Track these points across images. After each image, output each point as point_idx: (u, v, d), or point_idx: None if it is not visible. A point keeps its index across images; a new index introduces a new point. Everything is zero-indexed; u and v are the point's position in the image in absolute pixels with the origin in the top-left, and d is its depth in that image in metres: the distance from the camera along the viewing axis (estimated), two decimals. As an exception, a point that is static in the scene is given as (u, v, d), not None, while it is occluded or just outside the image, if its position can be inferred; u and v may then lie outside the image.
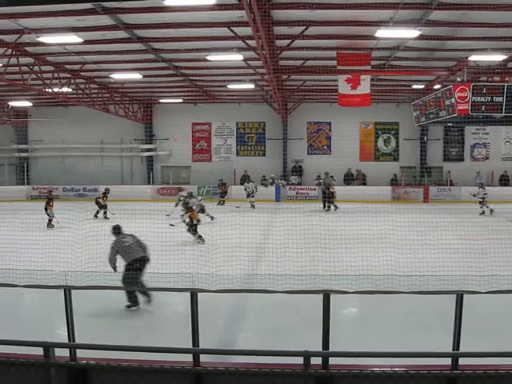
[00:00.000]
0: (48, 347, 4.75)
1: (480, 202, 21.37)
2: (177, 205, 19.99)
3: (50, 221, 18.23)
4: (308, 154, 31.10)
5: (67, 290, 5.34)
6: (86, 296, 5.85)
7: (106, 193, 21.54)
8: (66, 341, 5.42)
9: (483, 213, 20.98)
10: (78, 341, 5.42)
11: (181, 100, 29.29)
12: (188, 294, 5.18)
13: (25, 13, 12.46)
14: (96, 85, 23.75)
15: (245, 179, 28.28)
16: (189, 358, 5.08)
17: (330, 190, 23.70)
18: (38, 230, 13.88)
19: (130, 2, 12.07)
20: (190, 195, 18.57)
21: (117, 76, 21.27)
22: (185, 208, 16.62)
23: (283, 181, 29.48)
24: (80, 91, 23.29)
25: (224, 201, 26.49)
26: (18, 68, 17.59)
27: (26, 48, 16.54)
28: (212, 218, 18.48)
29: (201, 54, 17.47)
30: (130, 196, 23.46)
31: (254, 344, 6.23)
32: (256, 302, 8.43)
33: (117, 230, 10.26)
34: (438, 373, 4.86)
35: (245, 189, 25.61)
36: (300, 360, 4.66)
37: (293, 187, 29.22)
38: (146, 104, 30.27)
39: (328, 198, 23.43)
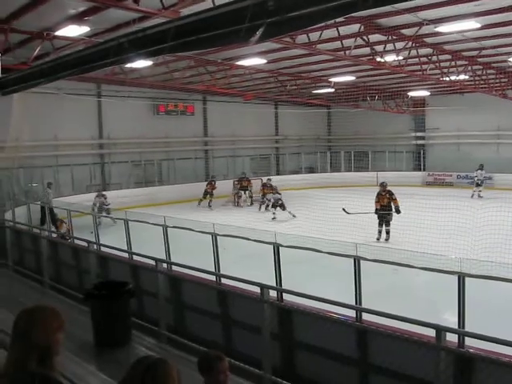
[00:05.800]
0: (440, 330, 4.95)
1: None
2: None
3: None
4: None
5: (461, 278, 5.56)
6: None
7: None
8: (456, 326, 5.58)
9: None
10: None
11: None
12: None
13: (424, 5, 12.86)
14: (493, 70, 22.86)
15: None
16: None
17: None
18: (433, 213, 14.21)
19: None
20: None
21: (515, 59, 20.05)
22: None
23: None
24: (477, 77, 22.82)
25: None
26: (417, 59, 18.40)
27: (425, 39, 17.05)
28: None
29: None
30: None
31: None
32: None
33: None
34: None
35: None
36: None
37: None
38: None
39: None
